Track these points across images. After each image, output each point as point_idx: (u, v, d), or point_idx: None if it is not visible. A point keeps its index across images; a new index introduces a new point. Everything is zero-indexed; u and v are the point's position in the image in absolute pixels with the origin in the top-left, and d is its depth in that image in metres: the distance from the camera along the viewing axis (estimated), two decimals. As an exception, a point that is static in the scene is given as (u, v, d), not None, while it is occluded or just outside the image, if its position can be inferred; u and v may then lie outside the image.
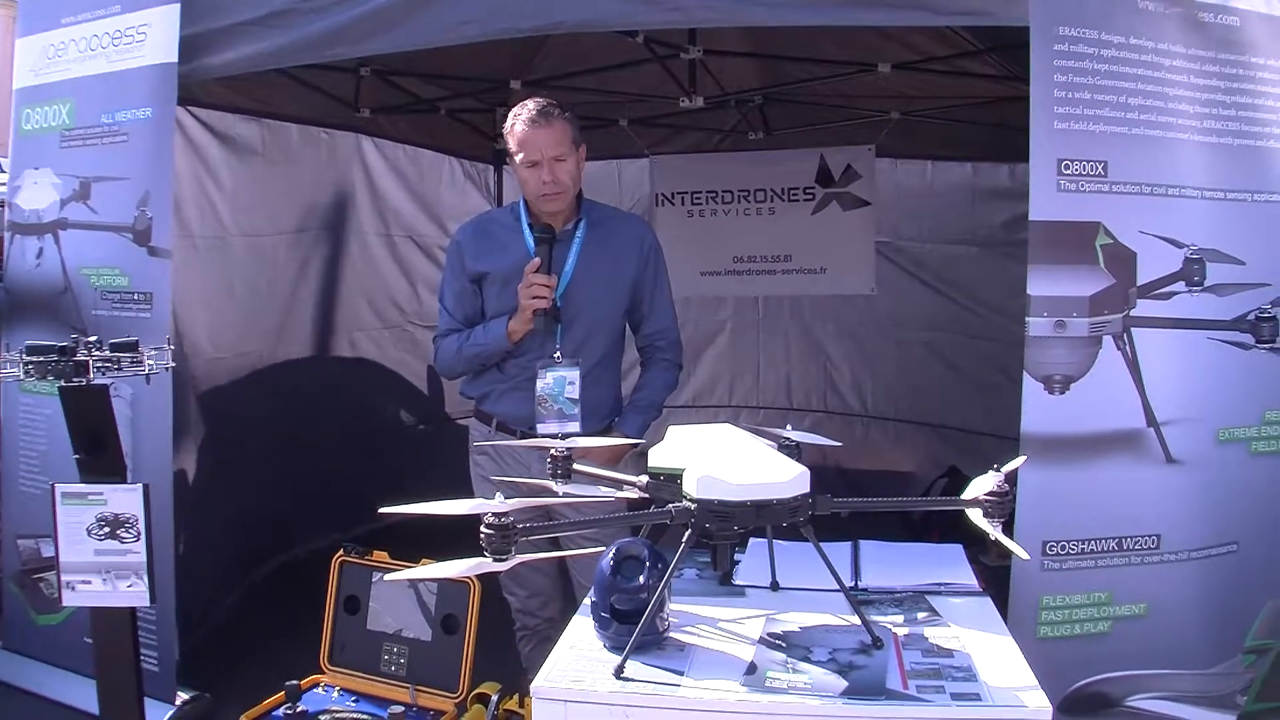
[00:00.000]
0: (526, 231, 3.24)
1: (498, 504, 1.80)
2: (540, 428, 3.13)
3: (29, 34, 4.19)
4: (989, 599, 2.32)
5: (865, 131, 5.89)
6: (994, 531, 1.97)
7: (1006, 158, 5.60)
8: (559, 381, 3.14)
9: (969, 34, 4.38)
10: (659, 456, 2.10)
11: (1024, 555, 2.18)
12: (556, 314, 3.16)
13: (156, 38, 3.69)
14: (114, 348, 2.81)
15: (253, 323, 5.06)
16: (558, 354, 3.16)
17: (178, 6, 3.63)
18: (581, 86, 5.31)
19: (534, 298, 3.10)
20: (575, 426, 3.10)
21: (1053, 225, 2.82)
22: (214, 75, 3.81)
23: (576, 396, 3.14)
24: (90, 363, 2.77)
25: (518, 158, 3.17)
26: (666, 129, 6.21)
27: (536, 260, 3.13)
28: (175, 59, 3.64)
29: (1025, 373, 2.84)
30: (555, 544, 3.01)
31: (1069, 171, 2.80)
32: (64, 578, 2.88)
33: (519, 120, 3.14)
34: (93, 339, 2.82)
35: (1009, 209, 5.59)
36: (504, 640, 3.14)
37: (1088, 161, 2.81)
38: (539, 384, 3.15)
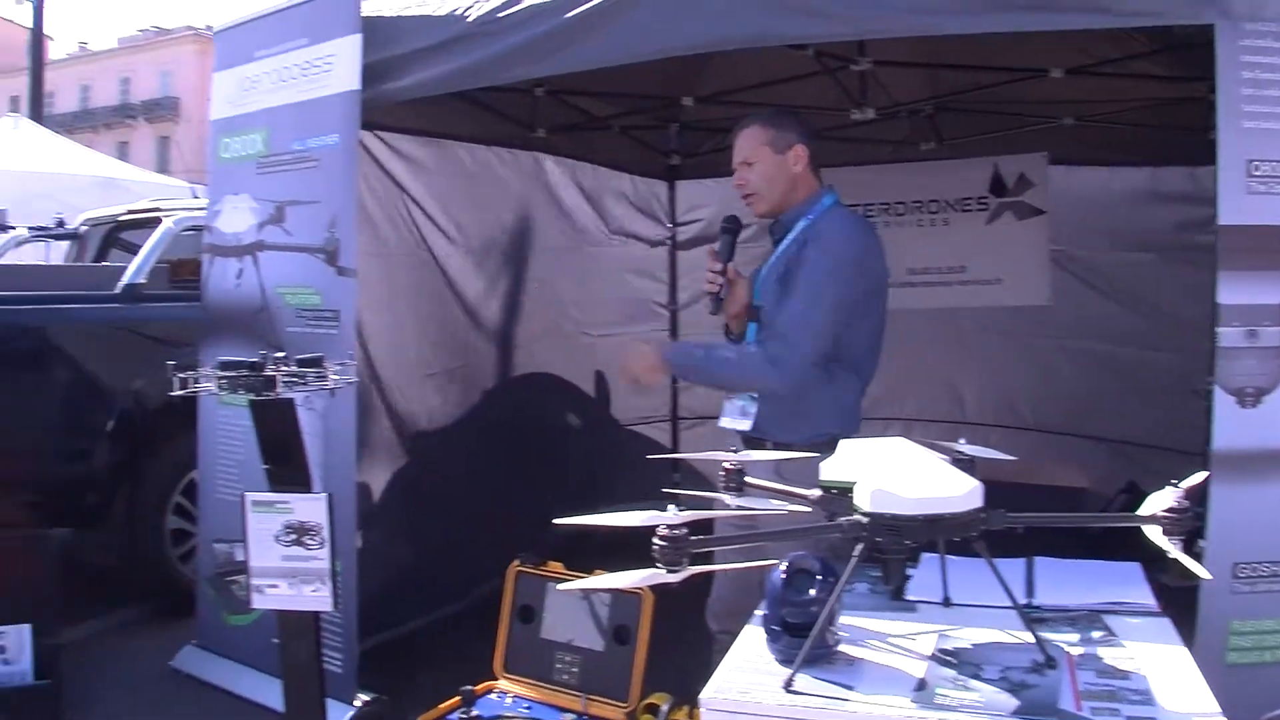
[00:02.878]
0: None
1: (670, 515, 1.82)
2: (721, 421, 3.21)
3: (225, 68, 4.44)
4: (1168, 620, 2.22)
5: (1038, 138, 5.73)
6: (1173, 550, 1.90)
7: (1186, 161, 5.39)
8: None
9: (1143, 35, 4.23)
10: (831, 470, 2.09)
11: (1205, 575, 2.10)
12: (755, 313, 3.17)
13: (341, 67, 3.84)
14: (300, 363, 2.93)
15: (436, 335, 5.18)
16: (752, 349, 3.16)
17: (359, 37, 3.77)
18: (752, 101, 5.32)
19: (705, 282, 3.16)
20: (746, 425, 3.14)
21: (1244, 229, 2.69)
22: (396, 100, 3.92)
23: (755, 395, 3.15)
24: (278, 377, 2.89)
25: None
26: (837, 141, 6.14)
27: (711, 247, 3.19)
28: (359, 87, 3.79)
29: (1215, 385, 2.72)
30: None
31: (1259, 173, 2.68)
32: (253, 581, 3.00)
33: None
34: (281, 354, 2.93)
35: (1189, 213, 5.37)
36: (675, 651, 3.15)
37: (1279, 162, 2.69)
38: None
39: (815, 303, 3.08)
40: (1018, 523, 1.95)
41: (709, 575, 3.15)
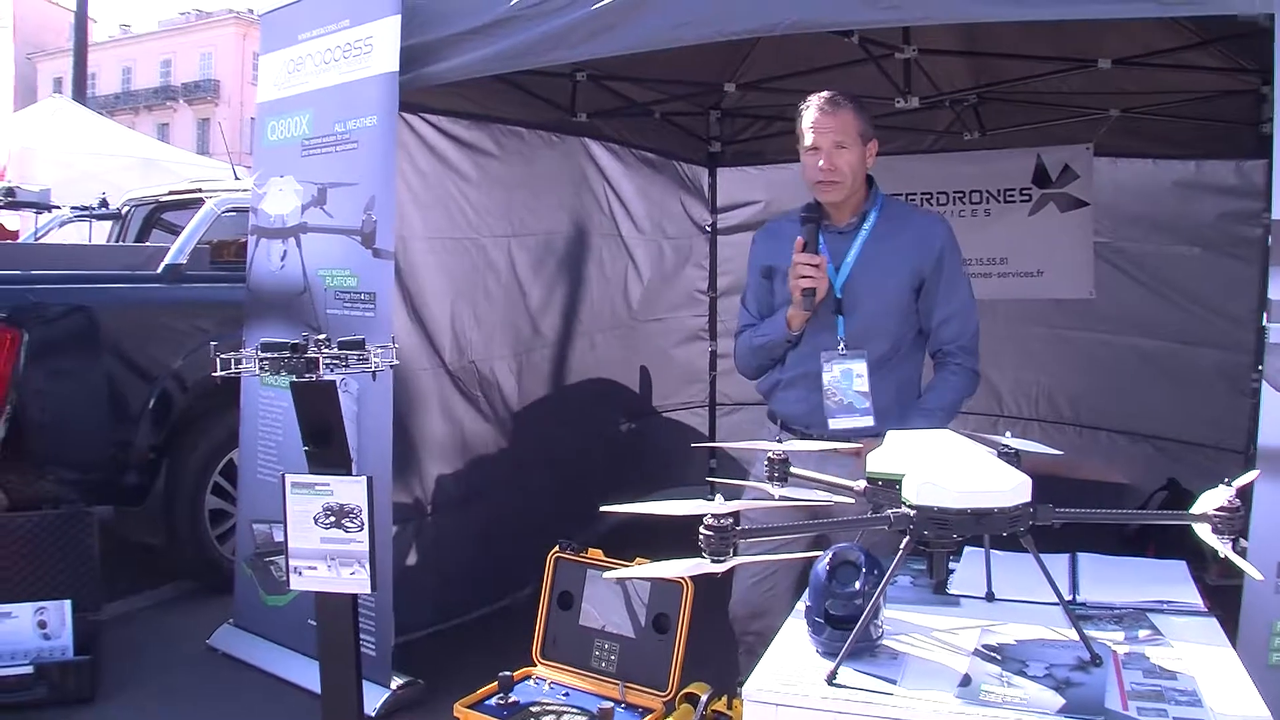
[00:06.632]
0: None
1: (717, 505, 1.80)
2: (831, 423, 3.06)
3: (271, 51, 4.45)
4: (1215, 619, 2.19)
5: (1083, 129, 5.66)
6: (1224, 549, 1.87)
7: (1233, 154, 5.32)
8: (846, 374, 3.05)
9: (1193, 25, 4.16)
10: (877, 462, 2.07)
11: (1257, 575, 2.07)
12: (837, 304, 3.08)
13: (381, 48, 3.85)
14: (342, 345, 2.94)
15: (482, 322, 5.14)
16: (841, 345, 3.07)
17: (398, 18, 3.77)
18: (794, 88, 5.26)
19: (799, 277, 3.01)
20: (868, 421, 3.02)
21: (1297, 224, 2.65)
22: (437, 82, 3.90)
23: (866, 389, 3.04)
24: (320, 359, 2.90)
25: (803, 143, 3.13)
26: (880, 130, 6.02)
27: (800, 240, 3.05)
28: (397, 68, 3.79)
29: (1264, 382, 2.66)
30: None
31: (1314, 167, 2.62)
32: (292, 563, 3.02)
33: (809, 107, 3.12)
34: (322, 337, 2.94)
35: (1236, 207, 5.31)
36: (715, 641, 3.14)
37: (1335, 155, 2.62)
38: (825, 376, 3.07)
39: (973, 299, 3.20)
40: (1066, 518, 1.92)
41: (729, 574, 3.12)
